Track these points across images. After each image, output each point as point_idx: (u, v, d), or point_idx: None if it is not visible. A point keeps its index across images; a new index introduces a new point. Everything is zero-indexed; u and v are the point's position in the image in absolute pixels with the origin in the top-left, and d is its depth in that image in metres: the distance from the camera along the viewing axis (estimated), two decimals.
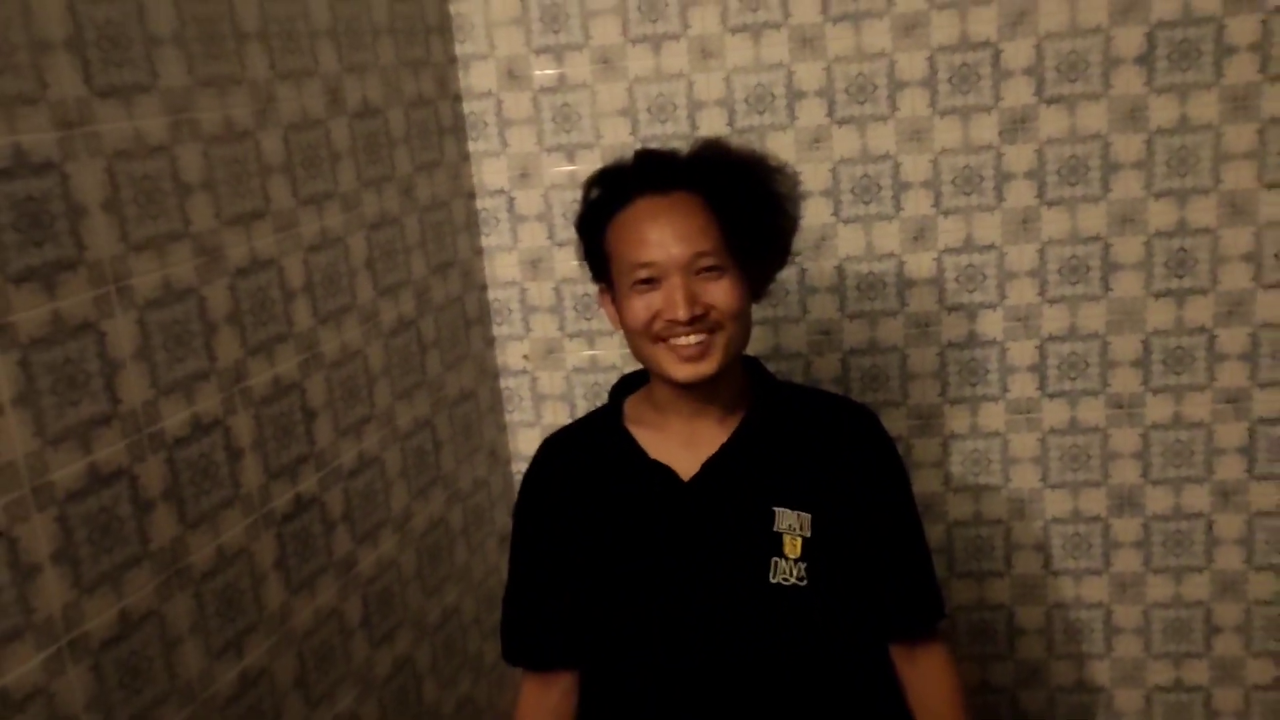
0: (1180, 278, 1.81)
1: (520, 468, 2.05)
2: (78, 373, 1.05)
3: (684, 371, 1.24)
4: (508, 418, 2.07)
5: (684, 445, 1.31)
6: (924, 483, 1.95)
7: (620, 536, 1.30)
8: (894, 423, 1.93)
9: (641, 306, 1.24)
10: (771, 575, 1.23)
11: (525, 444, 2.06)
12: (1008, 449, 1.93)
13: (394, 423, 1.64)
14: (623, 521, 1.30)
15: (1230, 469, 1.88)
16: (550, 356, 2.03)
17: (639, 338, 1.26)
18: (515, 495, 2.06)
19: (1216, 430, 1.86)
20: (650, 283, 1.23)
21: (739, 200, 1.25)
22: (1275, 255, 1.77)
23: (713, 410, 1.31)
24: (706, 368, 1.24)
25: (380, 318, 1.62)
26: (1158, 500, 1.91)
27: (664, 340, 1.24)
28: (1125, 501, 1.92)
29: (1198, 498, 1.90)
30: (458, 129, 1.92)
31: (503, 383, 2.06)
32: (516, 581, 1.40)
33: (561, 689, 1.38)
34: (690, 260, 1.22)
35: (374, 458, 1.58)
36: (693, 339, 1.22)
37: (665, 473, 1.30)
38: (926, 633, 1.35)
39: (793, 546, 1.25)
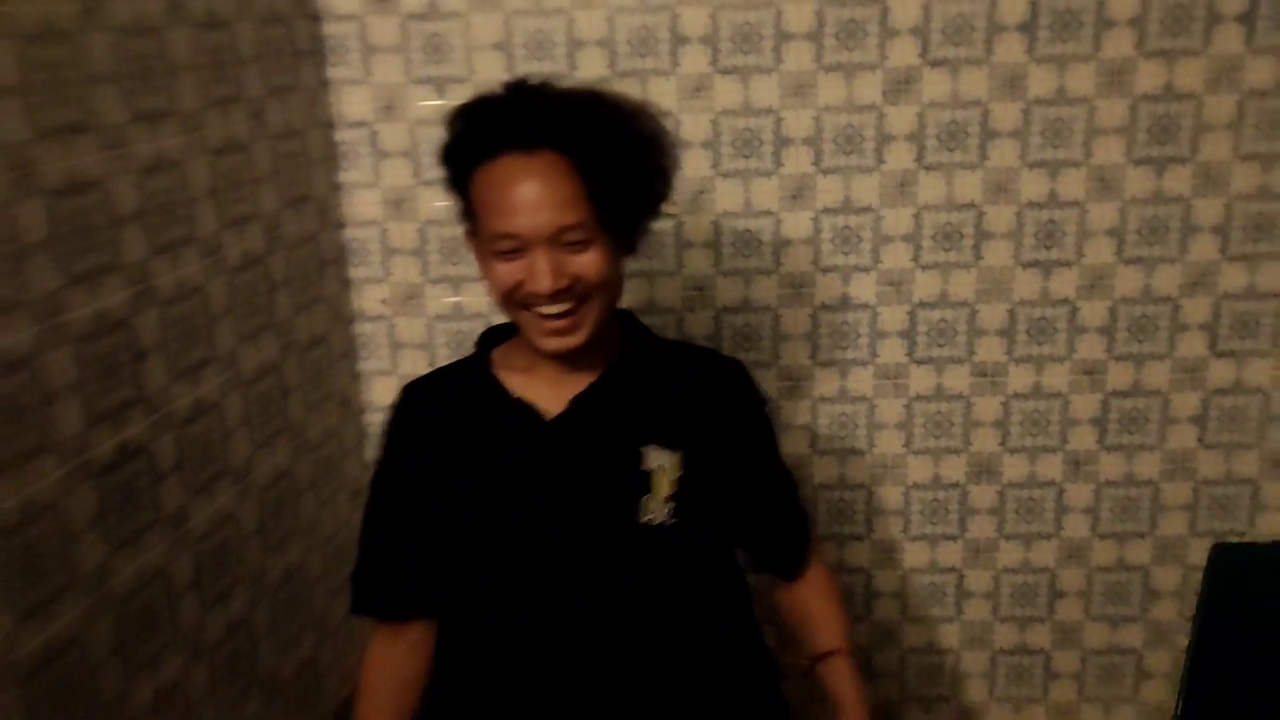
0: (1048, 249, 1.83)
1: (374, 418, 1.95)
2: None
3: (551, 344, 1.22)
4: (361, 365, 1.95)
5: (551, 386, 1.28)
6: (791, 444, 1.93)
7: (482, 478, 1.27)
8: (765, 383, 1.86)
9: (505, 273, 1.20)
10: (641, 515, 1.23)
11: (380, 394, 1.95)
12: (874, 414, 1.92)
13: (237, 366, 1.52)
14: (485, 462, 1.27)
15: (1083, 439, 1.92)
16: (410, 302, 1.92)
17: (503, 302, 1.24)
18: (368, 447, 1.98)
19: (1073, 401, 1.90)
20: (513, 252, 1.19)
21: (612, 169, 1.18)
22: (1138, 231, 1.80)
23: (584, 358, 1.28)
24: (575, 340, 1.22)
25: (224, 252, 1.48)
26: (1014, 468, 1.94)
27: (528, 308, 1.21)
28: (983, 469, 1.94)
29: (1051, 467, 1.93)
30: (316, 52, 1.77)
31: (358, 328, 1.94)
32: (372, 526, 1.35)
33: (409, 642, 1.33)
34: (555, 234, 1.17)
35: (213, 404, 1.45)
36: (556, 309, 1.19)
37: (527, 410, 1.27)
38: (805, 562, 1.42)
39: (661, 485, 1.24)
